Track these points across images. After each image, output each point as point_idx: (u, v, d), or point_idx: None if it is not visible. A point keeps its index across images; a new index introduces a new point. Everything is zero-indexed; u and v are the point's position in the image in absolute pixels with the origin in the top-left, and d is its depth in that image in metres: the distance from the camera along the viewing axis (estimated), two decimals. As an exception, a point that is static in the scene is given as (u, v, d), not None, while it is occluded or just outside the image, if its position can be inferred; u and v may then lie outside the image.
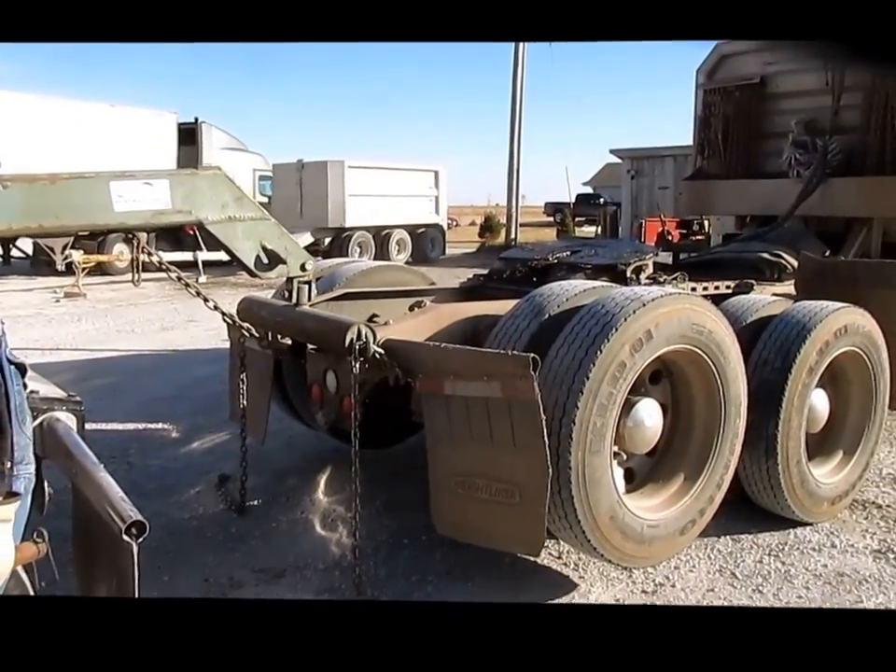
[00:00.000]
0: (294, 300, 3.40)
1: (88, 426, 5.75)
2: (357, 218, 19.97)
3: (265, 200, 21.36)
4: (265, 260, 3.23)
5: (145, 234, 3.01)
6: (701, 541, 3.62)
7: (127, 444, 5.25)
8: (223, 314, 3.39)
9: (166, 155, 19.60)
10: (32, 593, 1.91)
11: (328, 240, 20.27)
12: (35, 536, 1.69)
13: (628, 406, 3.15)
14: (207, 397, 6.28)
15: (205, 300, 3.30)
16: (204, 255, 17.47)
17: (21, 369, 1.83)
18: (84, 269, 14.66)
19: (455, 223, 39.70)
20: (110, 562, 1.98)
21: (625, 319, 2.94)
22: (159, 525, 3.87)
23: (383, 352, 3.08)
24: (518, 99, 23.97)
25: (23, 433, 1.76)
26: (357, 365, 3.05)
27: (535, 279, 4.33)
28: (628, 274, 4.18)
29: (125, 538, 1.79)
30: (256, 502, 4.18)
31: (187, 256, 17.63)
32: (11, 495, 1.50)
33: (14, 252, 17.47)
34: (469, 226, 37.62)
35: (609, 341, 2.89)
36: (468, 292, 4.56)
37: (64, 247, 15.39)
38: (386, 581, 3.39)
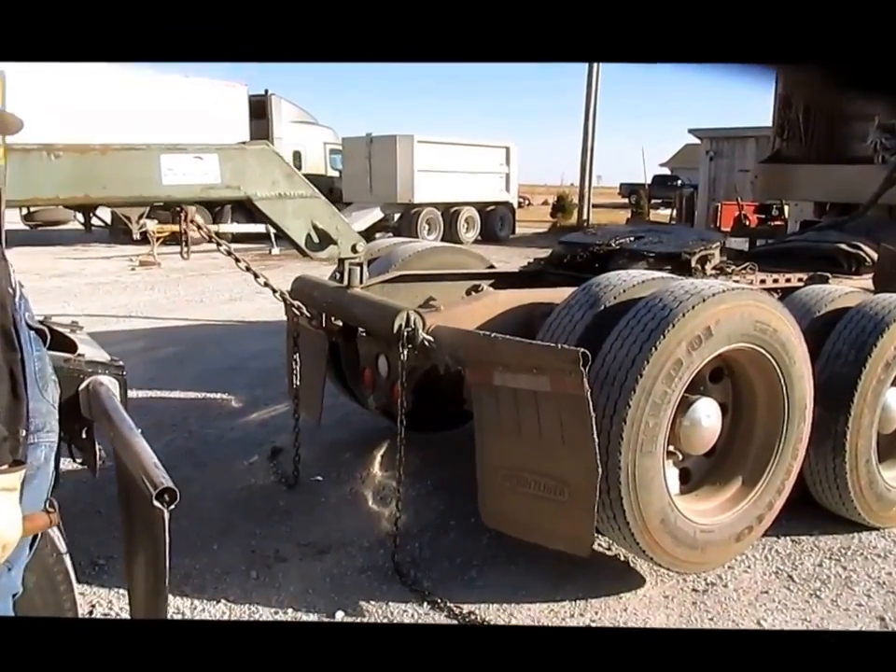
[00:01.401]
0: (345, 282, 3.36)
1: (153, 393, 5.96)
2: (426, 194, 19.88)
3: (336, 174, 21.49)
4: (316, 240, 3.19)
5: (193, 208, 3.01)
6: (758, 541, 3.47)
7: (188, 413, 5.35)
8: (273, 290, 3.37)
9: (238, 127, 19.83)
10: (64, 550, 1.91)
11: (397, 216, 20.26)
12: (46, 505, 1.68)
13: (685, 405, 3.02)
14: (266, 369, 6.36)
15: (255, 275, 3.29)
16: (277, 227, 17.71)
17: (42, 335, 1.82)
18: (158, 238, 15.04)
19: (526, 202, 39.30)
20: (146, 528, 1.99)
21: (683, 315, 2.80)
22: (211, 494, 3.95)
23: (432, 339, 3.02)
24: (594, 74, 23.44)
25: (44, 399, 1.72)
26: (406, 352, 3.00)
27: (596, 266, 4.19)
28: (693, 264, 4.01)
29: (156, 503, 1.79)
30: (318, 478, 4.20)
31: (260, 228, 17.87)
32: (17, 463, 1.47)
33: (94, 221, 18.06)
34: (541, 205, 37.23)
35: (664, 337, 2.76)
36: (526, 277, 4.46)
37: (140, 217, 15.98)
38: (430, 562, 3.36)
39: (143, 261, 14.16)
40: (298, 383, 3.94)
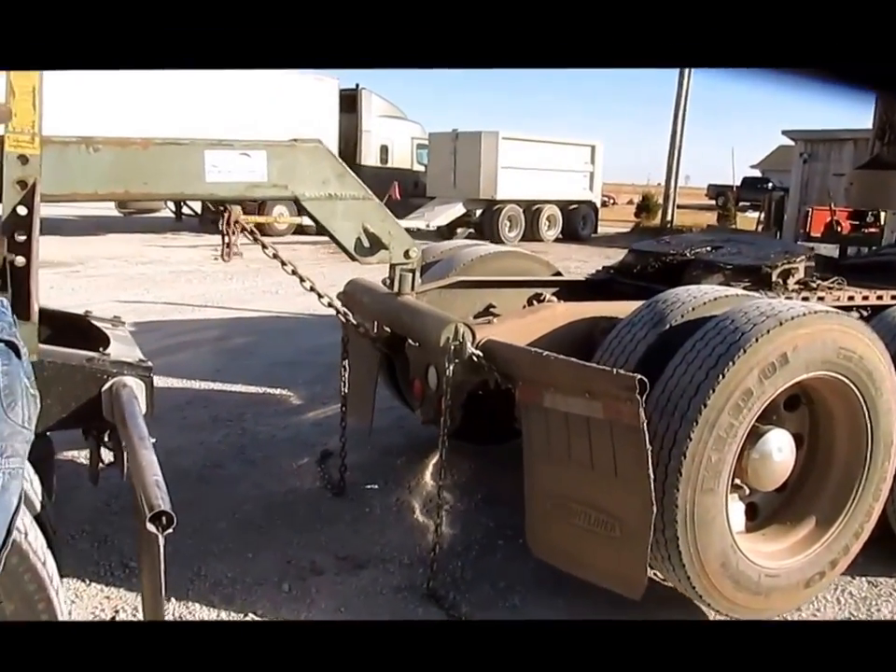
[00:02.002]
0: (395, 288, 3.21)
1: (216, 385, 5.95)
2: (508, 191, 19.71)
3: (422, 168, 21.51)
4: (366, 244, 3.04)
5: (238, 207, 2.90)
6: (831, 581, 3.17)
7: (245, 408, 5.32)
8: (319, 294, 3.25)
9: (328, 121, 20.04)
10: (50, 576, 1.81)
11: (479, 212, 20.16)
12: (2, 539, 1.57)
13: (755, 435, 2.76)
14: (330, 364, 6.29)
15: (301, 279, 3.18)
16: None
17: (13, 347, 1.70)
18: (243, 229, 15.28)
19: (611, 201, 38.60)
20: (144, 545, 1.88)
21: (756, 340, 2.54)
22: (254, 497, 3.88)
23: (481, 354, 2.84)
24: (686, 73, 22.71)
25: (7, 420, 1.59)
26: (452, 367, 2.83)
27: (668, 277, 3.93)
28: (774, 279, 3.70)
29: (149, 526, 1.67)
30: (373, 486, 4.08)
31: None
32: None
33: (185, 210, 18.49)
34: (626, 205, 36.48)
35: (733, 364, 2.50)
36: (593, 287, 4.22)
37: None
38: (471, 585, 3.19)
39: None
40: (346, 389, 3.82)
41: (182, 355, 6.92)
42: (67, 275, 11.47)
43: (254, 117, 17.79)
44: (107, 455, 2.45)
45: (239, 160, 2.75)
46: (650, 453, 2.36)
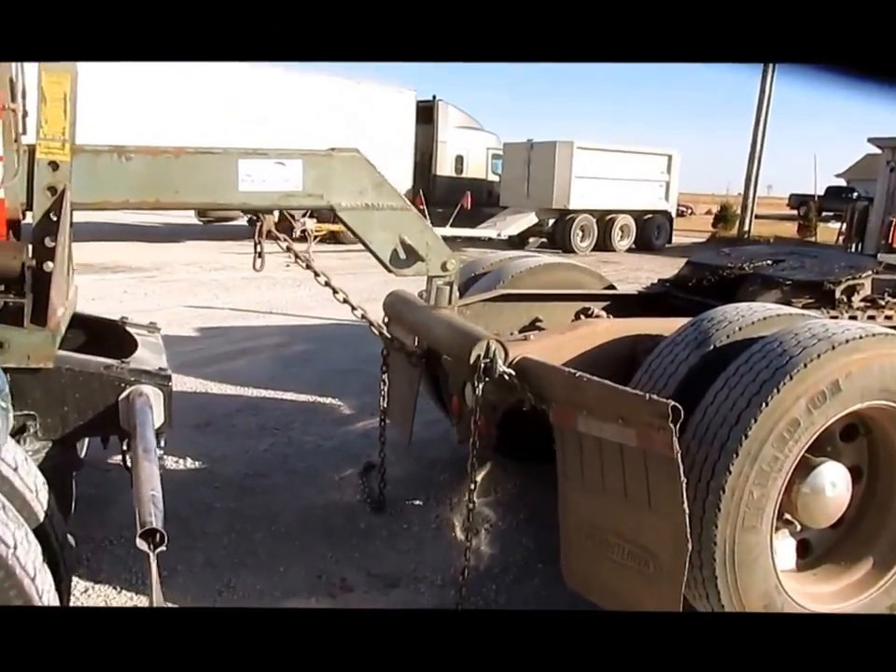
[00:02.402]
0: (431, 301, 3.12)
1: (269, 393, 5.98)
2: (581, 201, 19.49)
3: (496, 178, 21.47)
4: (402, 255, 2.97)
5: (272, 217, 2.86)
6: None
7: (294, 417, 5.32)
8: (353, 307, 3.20)
9: (404, 132, 20.20)
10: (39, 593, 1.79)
11: (551, 221, 19.99)
12: None
13: (806, 468, 2.56)
14: (381, 374, 6.29)
15: (334, 290, 3.13)
16: (431, 229, 17.87)
17: None
18: (316, 237, 15.50)
19: (689, 211, 37.74)
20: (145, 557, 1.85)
21: (805, 365, 2.35)
22: (294, 508, 3.85)
23: (513, 373, 2.72)
24: (769, 78, 22.01)
25: None
26: (482, 386, 2.72)
27: (724, 291, 3.74)
28: (837, 296, 3.46)
29: (140, 542, 1.64)
30: (417, 502, 4.01)
31: None
32: None
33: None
34: (704, 214, 35.60)
35: (778, 391, 2.32)
36: (646, 301, 4.06)
37: (303, 215, 16.52)
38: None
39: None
40: (385, 402, 3.75)
41: (240, 361, 7.00)
42: (143, 280, 11.81)
43: (330, 128, 18.04)
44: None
45: (274, 169, 2.72)
46: (684, 485, 2.21)
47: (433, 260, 3.02)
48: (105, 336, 3.14)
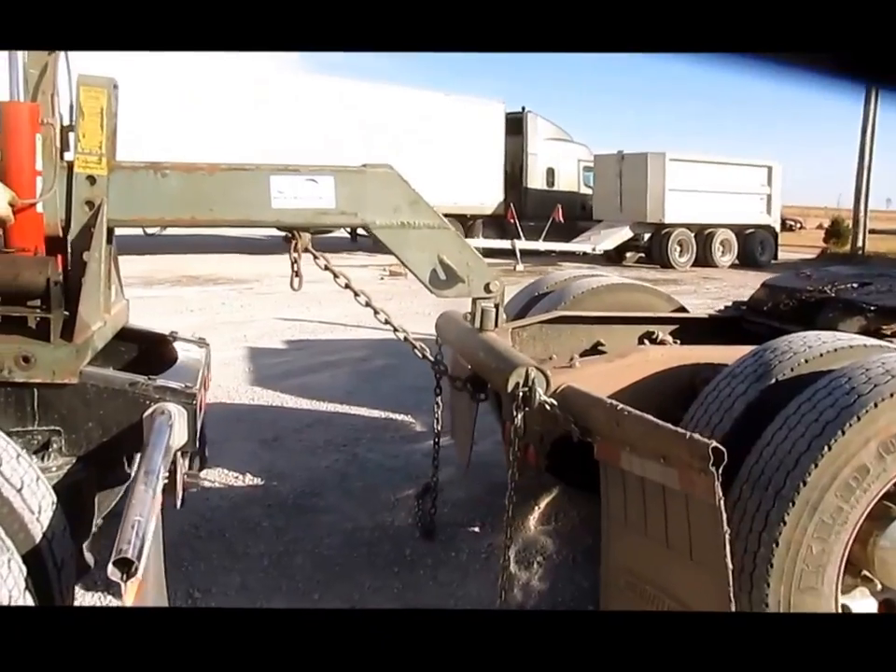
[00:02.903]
0: (476, 324, 2.97)
1: (343, 408, 5.95)
2: (677, 215, 18.94)
3: (588, 191, 21.13)
4: (442, 276, 2.83)
5: (307, 235, 2.79)
6: None
7: (362, 433, 5.26)
8: (395, 328, 3.08)
9: (493, 145, 20.15)
10: None
11: (647, 236, 19.55)
12: None
13: (886, 518, 2.27)
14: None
15: (375, 311, 3.02)
16: (522, 244, 17.73)
17: None
18: (315, 257, 15.61)
19: (798, 225, 36.15)
20: None
21: (875, 405, 2.07)
22: (341, 530, 3.76)
23: (554, 403, 2.54)
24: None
25: None
26: (521, 416, 2.56)
27: (803, 316, 3.44)
28: (930, 325, 3.12)
29: (111, 569, 1.57)
30: (472, 528, 3.86)
31: (506, 244, 18.01)
32: None
33: (360, 230, 19.13)
34: (815, 229, 34.03)
35: (843, 433, 2.06)
36: (718, 325, 3.78)
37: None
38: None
39: (392, 272, 14.70)
40: (438, 426, 3.62)
41: (321, 375, 7.02)
42: (241, 292, 12.12)
43: (419, 141, 18.18)
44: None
45: (306, 185, 2.65)
46: (727, 535, 1.97)
47: (475, 282, 2.87)
48: (154, 351, 3.14)
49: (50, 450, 2.34)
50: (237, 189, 2.62)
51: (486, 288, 2.90)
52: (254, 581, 3.23)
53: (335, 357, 7.86)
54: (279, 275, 14.71)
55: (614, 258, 19.60)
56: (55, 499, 2.09)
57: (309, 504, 4.07)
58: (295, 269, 2.80)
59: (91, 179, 2.49)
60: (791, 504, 2.07)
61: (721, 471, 1.95)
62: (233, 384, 6.39)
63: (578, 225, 19.84)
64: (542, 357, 3.54)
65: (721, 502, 1.96)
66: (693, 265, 19.42)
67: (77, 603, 2.63)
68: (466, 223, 20.04)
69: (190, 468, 3.49)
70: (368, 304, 2.96)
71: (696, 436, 2.02)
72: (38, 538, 1.96)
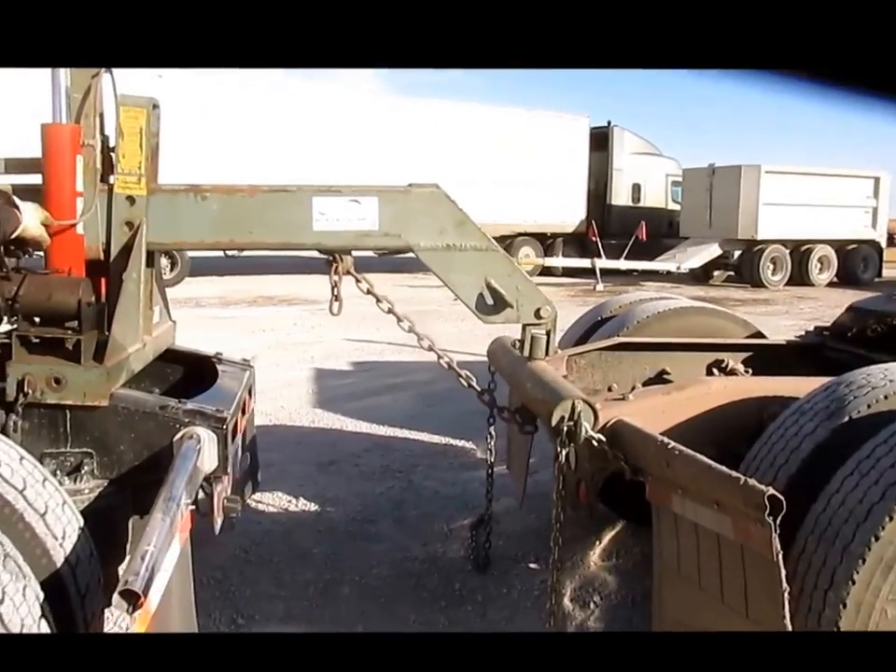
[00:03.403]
0: (525, 352, 2.82)
1: (403, 433, 5.87)
2: (771, 230, 18.19)
3: (677, 207, 20.59)
4: (489, 301, 2.70)
5: (350, 258, 2.71)
6: None
7: (420, 459, 5.16)
8: (439, 355, 2.95)
9: (577, 161, 19.88)
10: None
11: (737, 253, 18.89)
12: None
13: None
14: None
15: (419, 337, 2.91)
16: (602, 262, 17.40)
17: None
18: (357, 281, 15.52)
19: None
20: None
21: (960, 452, 1.83)
22: (391, 560, 3.65)
23: (602, 439, 2.36)
24: None
25: None
26: (565, 453, 2.39)
27: (894, 344, 3.16)
28: None
29: (117, 599, 1.51)
30: (531, 564, 3.69)
31: (585, 262, 17.71)
32: None
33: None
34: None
35: (922, 485, 1.82)
36: (797, 352, 3.51)
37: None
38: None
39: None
40: (492, 457, 3.48)
41: (384, 398, 6.96)
42: (314, 312, 12.24)
43: (499, 158, 18.09)
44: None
45: (348, 207, 2.57)
46: (787, 594, 1.76)
47: (525, 307, 2.72)
48: (199, 372, 3.11)
49: (83, 472, 2.34)
50: (278, 212, 2.56)
51: (537, 314, 2.75)
52: (298, 609, 3.15)
53: (400, 379, 7.78)
54: (351, 295, 14.92)
55: (701, 276, 18.98)
56: (82, 524, 2.07)
57: (360, 531, 3.98)
58: (335, 293, 2.72)
59: (131, 200, 2.49)
60: (860, 561, 1.84)
61: (779, 521, 1.75)
62: (296, 405, 6.39)
63: (663, 242, 19.31)
64: (601, 387, 3.36)
65: (780, 556, 1.76)
66: (787, 284, 18.63)
67: (109, 628, 2.61)
68: (546, 241, 19.82)
69: (242, 491, 3.47)
70: (411, 330, 2.86)
71: (752, 482, 1.82)
72: (61, 564, 1.93)
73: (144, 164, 2.47)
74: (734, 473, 1.91)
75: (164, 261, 14.18)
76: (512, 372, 2.97)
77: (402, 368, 8.29)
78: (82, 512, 2.20)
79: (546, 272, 18.80)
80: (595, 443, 2.37)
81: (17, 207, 2.26)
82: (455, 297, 2.79)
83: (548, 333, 2.81)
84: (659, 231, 19.65)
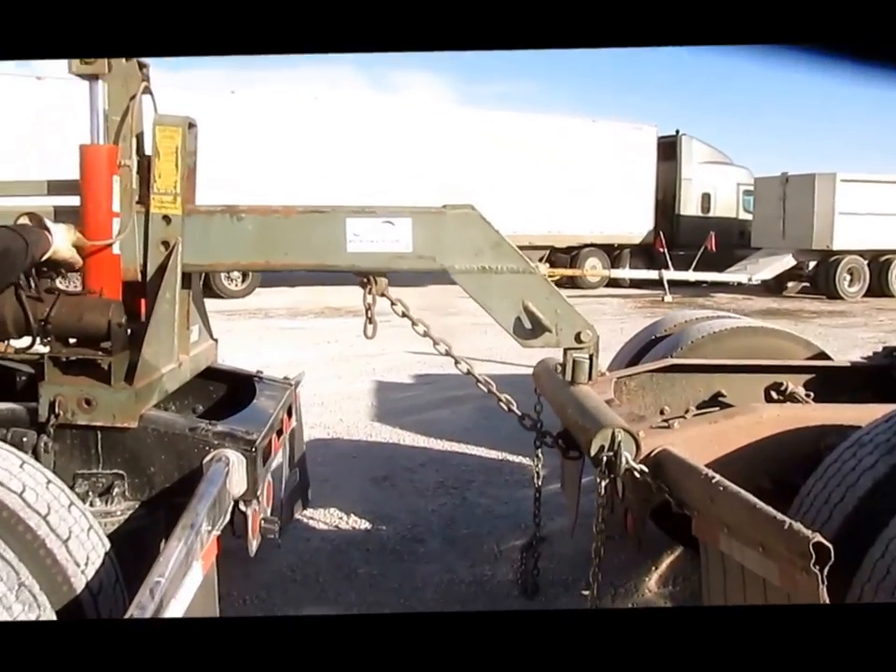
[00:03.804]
0: (567, 376, 2.73)
1: (459, 447, 5.80)
2: (848, 240, 17.52)
3: (749, 217, 20.05)
4: (527, 325, 2.62)
5: (384, 280, 2.67)
6: None
7: (476, 475, 5.09)
8: (477, 379, 2.91)
9: (644, 171, 19.55)
10: None
11: (812, 264, 18.24)
12: None
13: None
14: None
15: (456, 361, 2.86)
16: (670, 274, 17.04)
17: None
18: (392, 304, 15.39)
19: None
20: None
21: None
22: (437, 583, 3.59)
23: (644, 470, 2.26)
24: None
25: None
26: (604, 484, 2.29)
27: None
28: None
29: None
30: (584, 592, 3.60)
31: (652, 274, 17.37)
32: None
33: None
34: None
35: None
36: (864, 375, 3.32)
37: (541, 259, 16.66)
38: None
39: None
40: (539, 480, 3.39)
41: (443, 411, 6.91)
42: (378, 323, 12.30)
43: (565, 169, 17.92)
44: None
45: (382, 228, 2.53)
46: (837, 650, 1.63)
47: (564, 331, 2.63)
48: (240, 390, 3.11)
49: (114, 493, 2.34)
50: (312, 233, 2.55)
51: (577, 338, 2.66)
52: (337, 633, 3.10)
53: (460, 392, 7.69)
54: (417, 307, 14.95)
55: (774, 288, 18.41)
56: (108, 549, 2.06)
57: (409, 551, 3.92)
58: (369, 315, 2.68)
59: (167, 219, 2.50)
60: (920, 615, 1.69)
61: (828, 569, 1.63)
62: (354, 418, 6.40)
63: (735, 253, 18.80)
64: (652, 410, 3.24)
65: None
66: (865, 295, 17.91)
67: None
68: (612, 253, 19.53)
69: (291, 509, 3.46)
70: (448, 353, 2.81)
71: (797, 526, 1.70)
72: (81, 590, 1.92)
73: (179, 183, 2.48)
74: (778, 515, 1.78)
75: (235, 272, 14.46)
76: (555, 397, 2.88)
77: (464, 380, 8.15)
78: (113, 534, 2.20)
79: (613, 283, 18.54)
80: (636, 474, 2.26)
81: (48, 230, 2.29)
82: (493, 320, 2.73)
83: (591, 357, 2.72)
84: (730, 242, 19.14)
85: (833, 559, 1.61)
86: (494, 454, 5.55)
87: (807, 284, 18.95)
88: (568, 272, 17.42)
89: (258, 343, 9.92)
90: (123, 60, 2.47)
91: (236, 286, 15.22)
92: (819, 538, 1.62)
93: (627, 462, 2.25)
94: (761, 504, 1.86)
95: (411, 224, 2.52)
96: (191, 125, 2.55)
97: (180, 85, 12.48)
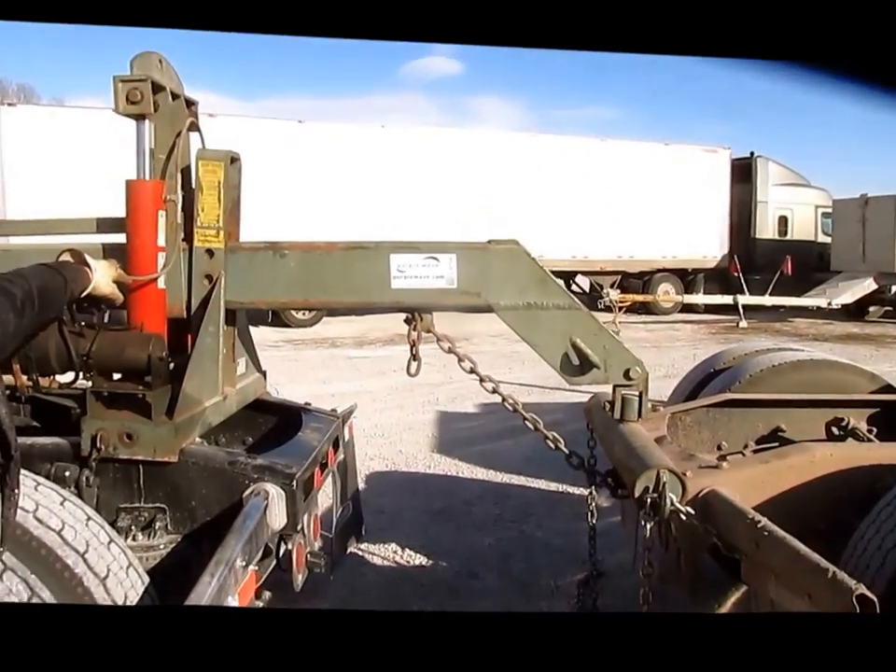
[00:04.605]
0: (616, 414, 2.69)
1: (518, 479, 5.74)
2: (931, 263, 16.79)
3: (828, 240, 19.46)
4: (575, 361, 2.60)
5: (430, 316, 2.67)
6: None
7: (535, 507, 5.03)
8: (524, 417, 2.89)
9: (719, 194, 19.21)
10: None
11: (894, 288, 17.50)
12: None
13: None
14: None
15: (503, 399, 2.84)
16: (745, 299, 16.63)
17: None
18: (621, 307, 15.15)
19: None
20: None
21: None
22: (492, 616, 3.53)
23: (691, 512, 2.21)
24: None
25: None
26: (649, 526, 2.25)
27: None
28: None
29: None
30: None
31: (726, 299, 16.99)
32: None
33: (574, 288, 18.80)
34: None
35: None
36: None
37: (612, 284, 16.47)
38: None
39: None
40: (593, 520, 3.34)
41: (504, 441, 6.85)
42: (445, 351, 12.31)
43: (637, 193, 17.74)
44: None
45: (426, 264, 2.54)
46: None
47: (613, 368, 2.60)
48: (287, 422, 3.13)
49: (156, 527, 2.36)
50: (355, 269, 2.56)
51: (626, 375, 2.62)
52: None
53: (509, 424, 7.67)
54: (489, 334, 14.87)
55: (854, 312, 17.75)
56: (147, 586, 2.06)
57: (464, 586, 3.90)
58: (413, 352, 2.69)
59: (210, 253, 2.53)
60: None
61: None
62: (414, 450, 6.41)
63: (813, 276, 18.23)
64: (709, 446, 3.17)
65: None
66: (949, 323, 17.14)
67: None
68: (686, 278, 19.19)
69: (344, 543, 3.47)
70: (495, 391, 2.80)
71: (841, 575, 1.64)
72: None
73: (222, 217, 2.51)
74: (823, 563, 1.72)
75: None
76: (605, 434, 2.85)
77: (529, 409, 8.15)
78: (157, 567, 2.24)
79: (687, 308, 18.19)
80: (682, 516, 2.22)
81: (88, 266, 2.31)
82: (540, 357, 2.72)
83: (640, 394, 2.68)
84: (808, 265, 18.57)
85: (877, 612, 1.55)
86: (554, 486, 5.48)
87: (890, 308, 18.24)
88: (640, 297, 17.16)
89: (319, 373, 10.02)
90: (170, 98, 2.52)
91: (304, 314, 15.05)
92: (862, 589, 1.56)
93: (672, 504, 2.21)
94: (806, 550, 1.80)
95: (455, 260, 2.53)
96: (234, 159, 2.58)
97: (252, 114, 12.80)
